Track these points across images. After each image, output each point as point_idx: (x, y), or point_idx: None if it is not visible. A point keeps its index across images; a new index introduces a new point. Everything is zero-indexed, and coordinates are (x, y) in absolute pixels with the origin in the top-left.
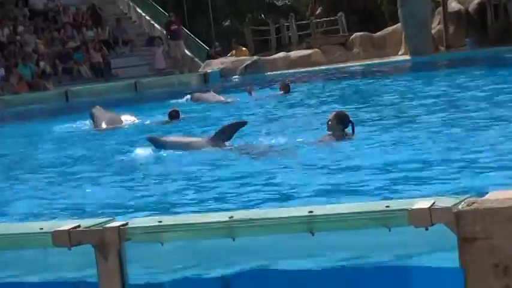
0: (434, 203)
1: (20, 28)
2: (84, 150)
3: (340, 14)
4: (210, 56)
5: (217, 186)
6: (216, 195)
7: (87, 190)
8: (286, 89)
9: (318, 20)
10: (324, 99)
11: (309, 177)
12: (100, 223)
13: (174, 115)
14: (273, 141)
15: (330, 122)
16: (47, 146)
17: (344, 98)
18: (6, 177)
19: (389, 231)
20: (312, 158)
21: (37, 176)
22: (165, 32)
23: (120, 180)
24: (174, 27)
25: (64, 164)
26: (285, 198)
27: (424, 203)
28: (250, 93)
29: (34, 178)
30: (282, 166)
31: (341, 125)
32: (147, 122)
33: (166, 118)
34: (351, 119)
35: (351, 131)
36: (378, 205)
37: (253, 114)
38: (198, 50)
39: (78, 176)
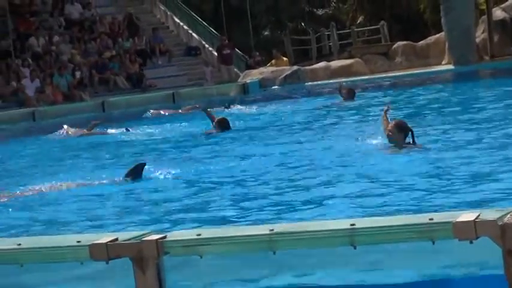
0: (479, 215)
1: (56, 38)
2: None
3: (382, 22)
4: (249, 66)
5: (264, 195)
6: (264, 205)
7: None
8: (351, 94)
9: (360, 29)
10: (370, 108)
11: (358, 188)
12: (138, 236)
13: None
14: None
15: (390, 133)
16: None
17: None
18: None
19: (433, 244)
20: (368, 169)
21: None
22: (216, 54)
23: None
24: (226, 51)
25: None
26: (328, 209)
27: (468, 216)
28: (341, 94)
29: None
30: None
31: (402, 133)
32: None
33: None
34: (410, 127)
35: (410, 139)
36: (422, 218)
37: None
38: (237, 60)
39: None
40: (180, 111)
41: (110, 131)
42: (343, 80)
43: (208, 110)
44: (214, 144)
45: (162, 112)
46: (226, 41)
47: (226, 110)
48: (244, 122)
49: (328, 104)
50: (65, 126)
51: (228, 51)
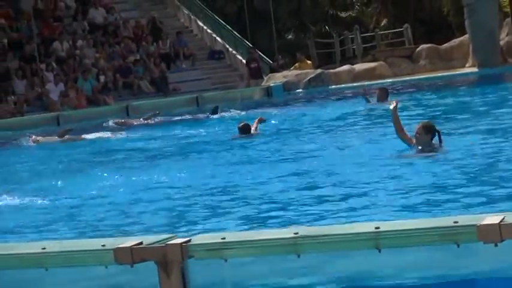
0: (503, 218)
1: (80, 42)
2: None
3: (405, 25)
4: (272, 69)
5: (288, 199)
6: (288, 209)
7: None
8: (384, 94)
9: (383, 31)
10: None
11: (382, 191)
12: (162, 240)
13: (245, 129)
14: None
15: (417, 134)
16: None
17: (414, 110)
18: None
19: (458, 247)
20: (392, 172)
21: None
22: (246, 68)
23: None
24: (254, 65)
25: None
26: (352, 212)
27: (493, 219)
28: (367, 99)
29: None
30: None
31: (429, 134)
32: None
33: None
34: (437, 128)
35: (437, 141)
36: (446, 221)
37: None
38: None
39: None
40: (141, 120)
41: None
42: (367, 83)
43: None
44: (239, 148)
45: (123, 121)
46: (254, 54)
47: (211, 116)
48: (269, 125)
49: (354, 106)
50: (33, 136)
51: (256, 64)
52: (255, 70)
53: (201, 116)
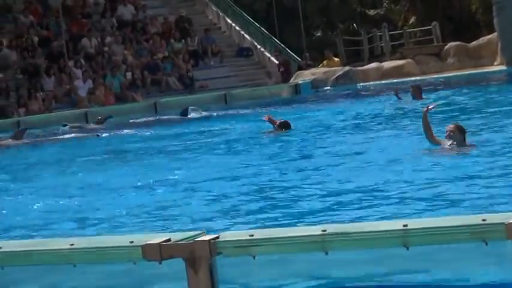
0: None
1: (108, 39)
2: None
3: (434, 23)
4: (300, 67)
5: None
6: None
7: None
8: (418, 92)
9: (412, 29)
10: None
11: (410, 189)
12: (191, 236)
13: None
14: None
15: (452, 133)
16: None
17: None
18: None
19: (486, 245)
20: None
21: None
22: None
23: None
24: (282, 69)
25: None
26: (381, 210)
27: None
28: (398, 96)
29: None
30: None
31: (464, 134)
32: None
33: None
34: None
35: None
36: (474, 219)
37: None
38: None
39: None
40: (92, 125)
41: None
42: (395, 80)
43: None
44: (271, 144)
45: (79, 125)
46: (282, 59)
47: (183, 116)
48: (300, 123)
49: (384, 103)
50: None
51: (283, 68)
52: (282, 73)
53: (161, 118)
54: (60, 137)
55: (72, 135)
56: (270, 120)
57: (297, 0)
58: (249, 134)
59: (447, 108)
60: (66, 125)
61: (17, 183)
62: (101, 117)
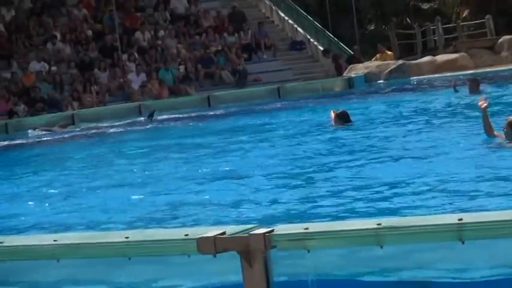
0: None
1: (161, 32)
2: None
3: (487, 16)
4: (350, 61)
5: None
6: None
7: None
8: (476, 85)
9: (465, 23)
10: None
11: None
12: (245, 230)
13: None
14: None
15: (505, 130)
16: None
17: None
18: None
19: None
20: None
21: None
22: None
23: None
24: (338, 63)
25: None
26: (436, 203)
27: None
28: (455, 89)
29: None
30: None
31: None
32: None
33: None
34: None
35: None
36: None
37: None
38: (342, 54)
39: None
40: (54, 128)
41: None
42: (449, 74)
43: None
44: (331, 137)
45: (47, 128)
46: (333, 52)
47: (149, 119)
48: (356, 117)
49: (441, 97)
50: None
51: (339, 62)
52: (337, 69)
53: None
54: (111, 130)
55: (121, 129)
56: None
57: None
58: (308, 127)
59: (501, 101)
60: (36, 129)
61: (68, 176)
62: (62, 122)
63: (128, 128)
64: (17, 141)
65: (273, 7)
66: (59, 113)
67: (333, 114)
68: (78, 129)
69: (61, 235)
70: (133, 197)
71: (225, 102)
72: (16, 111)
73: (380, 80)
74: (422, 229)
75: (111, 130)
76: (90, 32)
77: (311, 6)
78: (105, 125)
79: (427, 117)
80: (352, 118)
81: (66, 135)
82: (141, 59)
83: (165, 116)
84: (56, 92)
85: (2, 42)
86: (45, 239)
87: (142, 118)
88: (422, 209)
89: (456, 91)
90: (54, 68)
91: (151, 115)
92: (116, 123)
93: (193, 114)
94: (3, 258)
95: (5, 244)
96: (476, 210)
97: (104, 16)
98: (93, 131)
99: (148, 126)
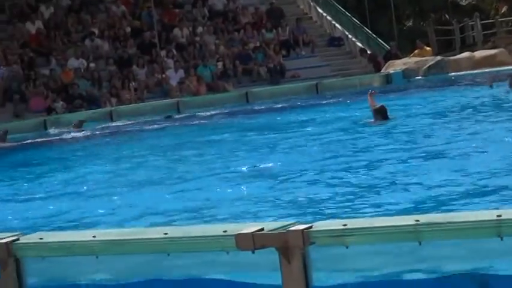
0: None
1: (200, 29)
2: None
3: None
4: (387, 57)
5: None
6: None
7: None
8: None
9: (503, 19)
10: None
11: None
12: (284, 226)
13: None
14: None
15: None
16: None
17: None
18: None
19: None
20: None
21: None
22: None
23: None
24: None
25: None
26: (474, 200)
27: None
28: (491, 85)
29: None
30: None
31: None
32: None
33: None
34: None
35: None
36: None
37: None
38: (380, 50)
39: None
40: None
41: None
42: (487, 70)
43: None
44: (370, 133)
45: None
46: (369, 53)
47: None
48: (396, 113)
49: (480, 93)
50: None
51: (377, 60)
52: (375, 67)
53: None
54: (153, 126)
55: (158, 125)
56: (371, 100)
57: None
58: (346, 123)
59: None
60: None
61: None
62: (76, 121)
63: (165, 124)
64: (56, 138)
65: (311, 3)
66: (97, 110)
67: (369, 98)
68: (114, 124)
69: (100, 231)
70: (171, 193)
71: (263, 99)
72: (54, 108)
73: (418, 76)
74: (461, 225)
75: (148, 126)
76: (128, 29)
77: (349, 3)
78: (142, 121)
79: (466, 113)
80: (390, 114)
81: (106, 131)
82: (179, 55)
83: (203, 113)
84: (94, 89)
85: (41, 39)
86: (84, 235)
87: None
88: (461, 205)
89: (491, 87)
90: (92, 65)
91: (169, 116)
92: (154, 119)
93: (231, 111)
94: (43, 254)
95: (44, 240)
96: None
97: (142, 13)
98: (129, 128)
99: (186, 123)
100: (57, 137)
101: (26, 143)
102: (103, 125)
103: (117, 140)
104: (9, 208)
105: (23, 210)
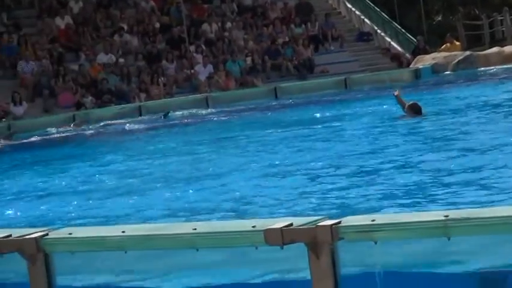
0: None
1: (228, 24)
2: None
3: None
4: (415, 52)
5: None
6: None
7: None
8: None
9: None
10: None
11: None
12: (313, 221)
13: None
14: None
15: None
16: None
17: None
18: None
19: None
20: None
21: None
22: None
23: None
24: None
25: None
26: (504, 195)
27: None
28: None
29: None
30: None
31: None
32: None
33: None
34: None
35: None
36: None
37: None
38: (409, 45)
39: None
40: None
41: None
42: None
43: (397, 94)
44: (402, 129)
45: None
46: (391, 52)
47: (163, 118)
48: (428, 108)
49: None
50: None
51: (400, 60)
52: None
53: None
54: (178, 121)
55: (188, 120)
56: (399, 99)
57: None
58: (375, 118)
59: None
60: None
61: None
62: (78, 121)
63: (195, 120)
64: (85, 133)
65: None
66: (126, 105)
67: (397, 98)
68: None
69: (129, 226)
70: (200, 188)
71: (291, 94)
72: (84, 103)
73: (447, 71)
74: (490, 221)
75: (178, 121)
76: (157, 24)
77: None
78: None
79: (496, 108)
80: (423, 110)
81: (135, 126)
82: (208, 50)
83: (232, 108)
84: (123, 84)
85: (70, 34)
86: (113, 230)
87: (157, 117)
88: (492, 201)
89: None
90: (121, 60)
91: (166, 115)
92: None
93: (260, 106)
94: (72, 249)
95: (73, 235)
96: None
97: (171, 8)
98: (159, 123)
99: (215, 118)
100: (86, 132)
101: (33, 140)
102: (131, 119)
103: (147, 135)
104: (41, 204)
105: (53, 206)
